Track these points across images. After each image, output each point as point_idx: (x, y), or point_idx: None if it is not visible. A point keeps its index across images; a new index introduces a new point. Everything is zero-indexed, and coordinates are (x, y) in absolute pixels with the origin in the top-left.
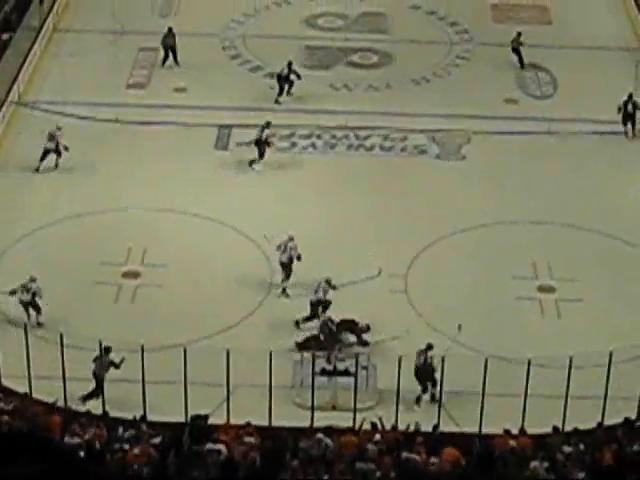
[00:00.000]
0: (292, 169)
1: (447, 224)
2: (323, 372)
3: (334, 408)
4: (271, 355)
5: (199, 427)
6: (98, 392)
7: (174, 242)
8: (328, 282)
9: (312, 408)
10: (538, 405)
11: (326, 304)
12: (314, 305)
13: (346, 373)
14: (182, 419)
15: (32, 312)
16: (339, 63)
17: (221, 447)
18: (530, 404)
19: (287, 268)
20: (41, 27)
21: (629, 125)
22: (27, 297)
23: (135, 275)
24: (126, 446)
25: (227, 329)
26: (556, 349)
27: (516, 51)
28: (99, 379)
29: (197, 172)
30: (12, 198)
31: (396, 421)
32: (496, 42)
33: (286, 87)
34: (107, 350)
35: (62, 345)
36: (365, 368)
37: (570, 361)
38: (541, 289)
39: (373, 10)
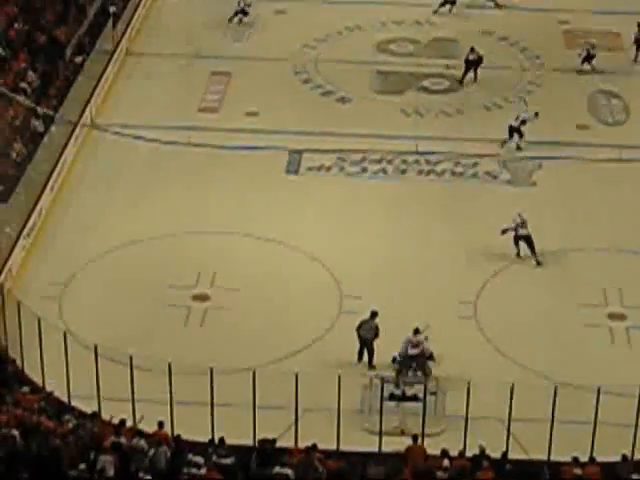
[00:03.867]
0: (362, 194)
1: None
2: (392, 397)
3: (402, 433)
4: (340, 379)
5: (266, 451)
6: None
7: (244, 265)
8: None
9: (380, 433)
10: (607, 434)
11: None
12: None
13: (414, 398)
14: (250, 442)
15: None
16: (410, 88)
17: (289, 471)
18: (599, 432)
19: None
20: (114, 50)
21: None
22: None
23: (204, 298)
24: (194, 470)
25: (296, 353)
26: (626, 377)
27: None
28: None
29: (268, 196)
30: (83, 221)
31: (464, 448)
32: (568, 68)
33: (470, 72)
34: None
35: (132, 367)
36: (434, 394)
37: None
38: (611, 316)
39: (444, 35)
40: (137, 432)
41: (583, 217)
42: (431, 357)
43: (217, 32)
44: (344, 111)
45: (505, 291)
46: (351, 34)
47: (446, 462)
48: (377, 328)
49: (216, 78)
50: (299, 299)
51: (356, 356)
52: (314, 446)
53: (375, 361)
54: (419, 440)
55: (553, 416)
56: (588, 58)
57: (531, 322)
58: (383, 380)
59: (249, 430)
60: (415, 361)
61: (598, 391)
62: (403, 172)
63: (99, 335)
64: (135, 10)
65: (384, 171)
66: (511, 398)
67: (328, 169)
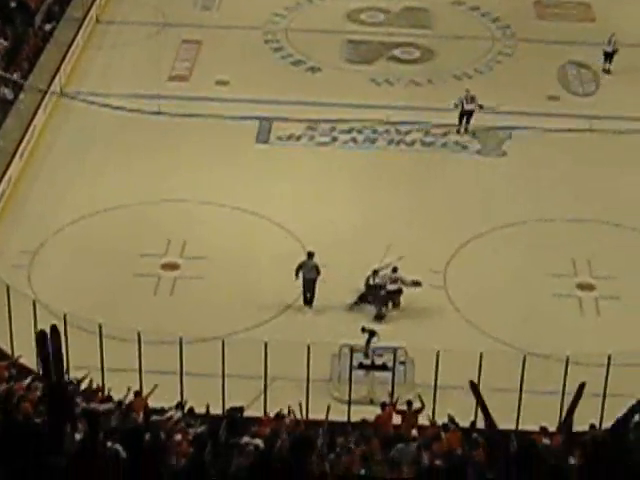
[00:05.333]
0: (332, 164)
1: (487, 220)
2: (361, 366)
3: (371, 402)
4: (309, 348)
5: (235, 419)
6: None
7: (214, 235)
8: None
9: (349, 402)
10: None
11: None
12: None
13: (384, 367)
14: (219, 411)
15: None
16: (381, 58)
17: (258, 441)
18: (567, 402)
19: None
20: (84, 19)
21: None
22: None
23: (174, 267)
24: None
25: (265, 322)
26: (595, 347)
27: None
28: None
29: (238, 165)
30: (53, 190)
31: (433, 416)
32: (538, 38)
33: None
34: None
35: (101, 335)
36: (403, 363)
37: (609, 359)
38: (580, 286)
39: (415, 5)
40: (107, 398)
41: (552, 187)
42: (416, 283)
43: (187, 0)
44: (314, 80)
45: (474, 261)
46: (322, 3)
47: (414, 432)
48: (317, 267)
49: (186, 46)
50: (268, 268)
51: (302, 300)
52: (284, 414)
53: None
54: (387, 409)
55: (522, 386)
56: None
57: (500, 292)
58: (352, 349)
59: (218, 399)
60: (392, 297)
61: (567, 361)
62: (373, 142)
63: (68, 304)
64: None
65: (354, 140)
66: (480, 367)
67: (298, 138)
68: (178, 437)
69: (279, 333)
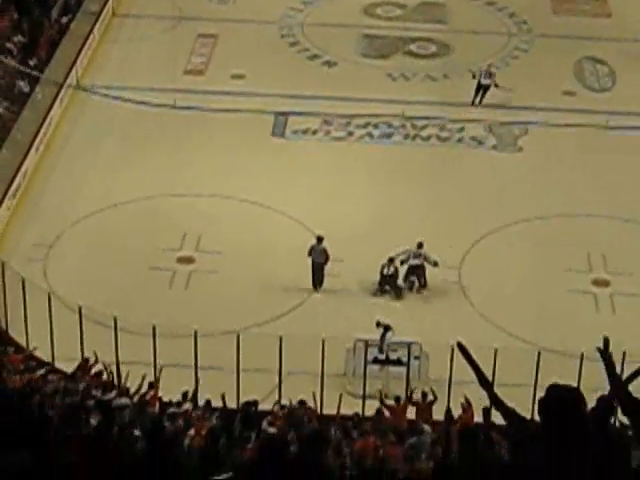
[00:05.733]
0: (348, 158)
1: (502, 216)
2: (375, 361)
3: (386, 397)
4: (324, 343)
5: (250, 413)
6: None
7: (229, 228)
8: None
9: (363, 397)
10: (590, 399)
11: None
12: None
13: (398, 362)
14: (234, 405)
15: None
16: (397, 52)
17: (273, 430)
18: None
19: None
20: (100, 12)
21: None
22: None
23: (189, 261)
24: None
25: (281, 316)
26: (610, 344)
27: None
28: None
29: (253, 159)
30: (68, 183)
31: (448, 411)
32: (555, 34)
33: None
34: None
35: (116, 329)
36: (417, 358)
37: (623, 355)
38: (596, 283)
39: (432, 0)
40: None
41: (568, 183)
42: (436, 264)
43: None
44: (330, 75)
45: (490, 256)
46: None
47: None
48: (326, 252)
49: (202, 40)
50: (284, 262)
51: (311, 283)
52: (302, 402)
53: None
54: (401, 402)
55: (536, 381)
56: None
57: (515, 287)
58: (367, 344)
59: (233, 393)
60: (415, 272)
61: (581, 357)
62: (389, 136)
63: (83, 297)
64: None
65: (370, 135)
66: (494, 363)
67: (314, 132)
68: (192, 432)
69: (294, 327)
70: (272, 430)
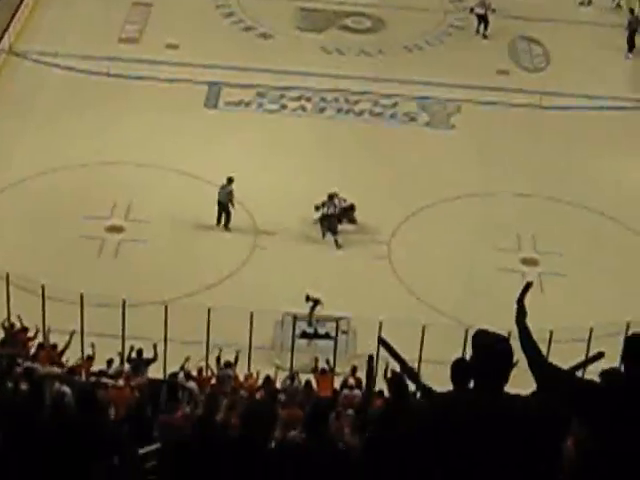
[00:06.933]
0: (280, 131)
1: (433, 193)
2: (304, 335)
3: (313, 371)
4: (252, 316)
5: (175, 385)
6: None
7: (159, 198)
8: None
9: (291, 370)
10: (517, 377)
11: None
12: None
13: (326, 336)
14: (160, 376)
15: None
16: (332, 26)
17: (193, 385)
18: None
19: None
20: None
21: None
22: None
23: (119, 230)
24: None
25: (210, 287)
26: (537, 322)
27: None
28: None
29: (186, 129)
30: None
31: (374, 385)
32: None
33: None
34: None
35: (44, 297)
36: (345, 332)
37: (550, 335)
38: (524, 261)
39: None
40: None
41: (500, 162)
42: (352, 208)
43: None
44: (265, 47)
45: (420, 232)
46: None
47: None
48: (231, 193)
49: (137, 9)
50: (214, 234)
51: (215, 221)
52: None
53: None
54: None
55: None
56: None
57: (445, 264)
58: (295, 317)
59: (160, 364)
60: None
61: (508, 336)
62: (322, 110)
63: (11, 265)
64: None
65: (303, 108)
66: (422, 339)
67: (247, 104)
68: (120, 382)
69: (222, 300)
70: (191, 385)
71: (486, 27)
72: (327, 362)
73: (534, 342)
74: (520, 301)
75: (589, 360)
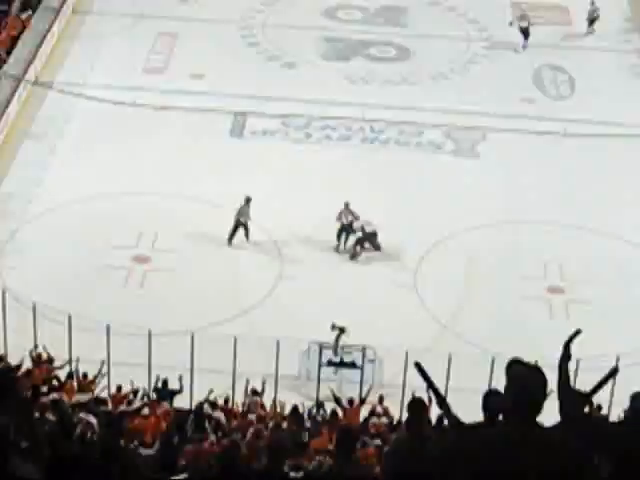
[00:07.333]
0: (305, 160)
1: (459, 221)
2: (330, 363)
3: (337, 403)
4: (278, 344)
5: (203, 414)
6: None
7: (185, 228)
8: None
9: (317, 399)
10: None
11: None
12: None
13: (352, 365)
14: (186, 405)
15: None
16: (357, 55)
17: (220, 415)
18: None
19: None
20: (60, 8)
21: None
22: None
23: (145, 260)
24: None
25: (236, 317)
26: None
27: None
28: None
29: (211, 159)
30: (25, 179)
31: (401, 415)
32: (515, 41)
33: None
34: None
35: (70, 327)
36: (372, 361)
37: (577, 363)
38: (551, 290)
39: (393, 4)
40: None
41: (525, 190)
42: (375, 234)
43: None
44: (290, 76)
45: (446, 261)
46: None
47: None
48: (248, 212)
49: (162, 39)
50: (240, 263)
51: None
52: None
53: None
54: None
55: (490, 387)
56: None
57: (471, 293)
58: (321, 346)
59: (186, 393)
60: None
61: (539, 365)
62: (347, 139)
63: (38, 294)
64: None
65: (328, 138)
66: (448, 368)
67: (272, 134)
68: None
69: (249, 328)
70: (217, 415)
71: (526, 38)
72: (334, 396)
73: (570, 388)
74: (567, 345)
75: (606, 378)
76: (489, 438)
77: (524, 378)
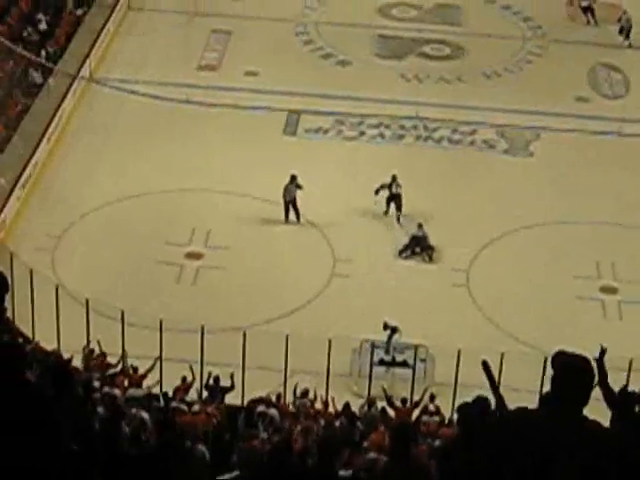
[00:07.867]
0: (360, 158)
1: (512, 220)
2: (381, 362)
3: (390, 399)
4: (330, 343)
5: (254, 411)
6: None
7: (238, 225)
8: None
9: (368, 397)
10: (595, 407)
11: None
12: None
13: (404, 364)
14: (238, 402)
15: None
16: (411, 54)
17: (274, 412)
18: (588, 405)
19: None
20: (115, 5)
21: None
22: None
23: (198, 256)
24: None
25: (288, 314)
26: (616, 351)
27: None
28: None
29: (265, 156)
30: (79, 174)
31: (452, 414)
32: (569, 40)
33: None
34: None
35: (123, 322)
36: (424, 360)
37: (630, 364)
38: (604, 290)
39: (447, 2)
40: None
41: (579, 189)
42: (432, 249)
43: None
44: (344, 74)
45: (499, 260)
46: None
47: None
48: (295, 190)
49: (216, 36)
50: (293, 261)
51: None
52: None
53: None
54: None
55: (542, 387)
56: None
57: (523, 292)
58: (373, 345)
59: (237, 390)
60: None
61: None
62: (401, 137)
63: (91, 289)
64: None
65: (382, 136)
66: (500, 368)
67: (326, 132)
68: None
69: (301, 325)
70: (272, 412)
71: (593, 16)
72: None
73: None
74: (600, 363)
75: (600, 360)
76: (532, 421)
77: (570, 365)
